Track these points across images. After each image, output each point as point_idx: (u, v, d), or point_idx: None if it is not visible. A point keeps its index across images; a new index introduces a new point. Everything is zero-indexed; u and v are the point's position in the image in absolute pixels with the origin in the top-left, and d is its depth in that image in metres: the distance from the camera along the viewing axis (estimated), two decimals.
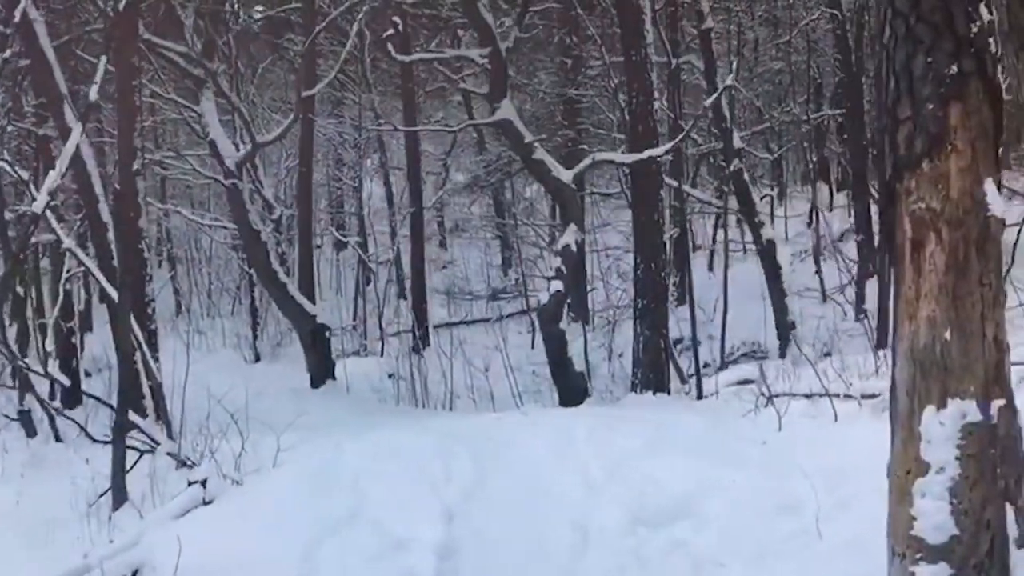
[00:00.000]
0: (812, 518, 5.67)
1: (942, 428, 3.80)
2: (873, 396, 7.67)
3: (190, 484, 7.05)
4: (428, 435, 8.25)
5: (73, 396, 13.23)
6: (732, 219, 16.70)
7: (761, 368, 9.03)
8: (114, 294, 9.21)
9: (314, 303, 14.91)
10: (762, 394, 8.48)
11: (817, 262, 16.56)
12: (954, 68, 3.84)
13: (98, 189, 10.78)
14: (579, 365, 12.79)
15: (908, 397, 3.91)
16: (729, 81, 11.57)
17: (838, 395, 7.85)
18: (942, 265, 3.84)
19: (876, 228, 15.84)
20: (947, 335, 3.82)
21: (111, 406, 8.61)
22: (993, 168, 3.90)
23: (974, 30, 3.83)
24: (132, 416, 8.83)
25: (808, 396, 8.14)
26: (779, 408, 7.91)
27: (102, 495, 7.70)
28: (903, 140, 3.95)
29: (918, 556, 3.81)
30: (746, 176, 14.46)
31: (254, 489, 7.20)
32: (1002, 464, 3.80)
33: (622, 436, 7.98)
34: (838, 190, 20.91)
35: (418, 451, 7.61)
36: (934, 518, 3.77)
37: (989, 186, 3.85)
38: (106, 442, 8.15)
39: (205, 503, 6.99)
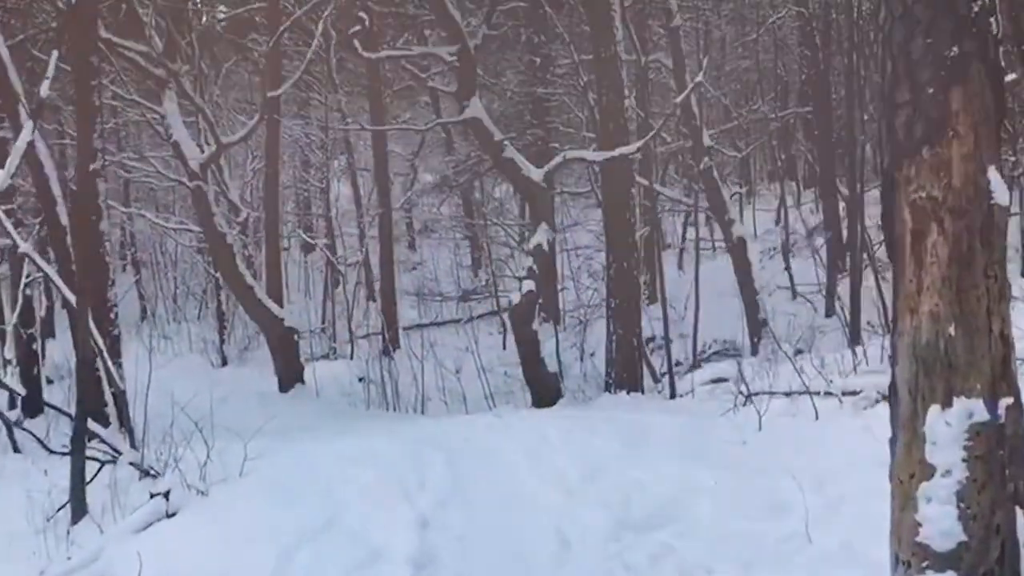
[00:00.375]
0: (801, 521, 5.44)
1: (948, 429, 3.56)
2: (854, 393, 7.49)
3: (152, 496, 6.68)
4: (401, 440, 7.95)
5: (34, 404, 12.75)
6: (701, 217, 16.53)
7: (739, 366, 8.81)
8: (74, 300, 8.80)
9: (282, 306, 14.52)
10: (740, 392, 8.27)
11: (787, 259, 16.43)
12: (955, 50, 3.60)
13: (56, 191, 10.34)
14: (551, 366, 12.54)
15: (911, 396, 3.67)
16: (699, 78, 11.36)
17: (818, 392, 7.65)
18: (945, 257, 3.60)
19: (845, 224, 15.78)
20: (951, 330, 3.58)
21: (70, 415, 8.19)
22: (996, 154, 3.68)
23: (975, 9, 3.60)
24: (93, 425, 8.43)
25: (787, 394, 7.94)
26: (758, 407, 7.70)
27: (60, 508, 7.29)
28: (901, 126, 3.71)
29: (924, 564, 3.57)
30: (716, 174, 14.28)
31: (220, 500, 6.84)
32: (1011, 465, 3.57)
33: (599, 438, 7.74)
34: (805, 187, 20.85)
35: (391, 457, 7.29)
36: (941, 524, 3.54)
37: (993, 173, 3.62)
38: (64, 453, 7.74)
39: (168, 516, 6.62)
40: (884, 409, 7.20)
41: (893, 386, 3.82)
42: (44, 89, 6.68)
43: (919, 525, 3.58)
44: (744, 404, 8.07)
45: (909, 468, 3.66)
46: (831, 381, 7.78)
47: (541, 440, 7.87)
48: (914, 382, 3.66)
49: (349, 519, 6.19)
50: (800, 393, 7.82)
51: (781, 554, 5.31)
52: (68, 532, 6.84)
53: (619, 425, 8.20)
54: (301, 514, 6.30)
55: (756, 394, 8.13)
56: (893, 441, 3.79)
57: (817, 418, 7.41)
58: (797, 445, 6.92)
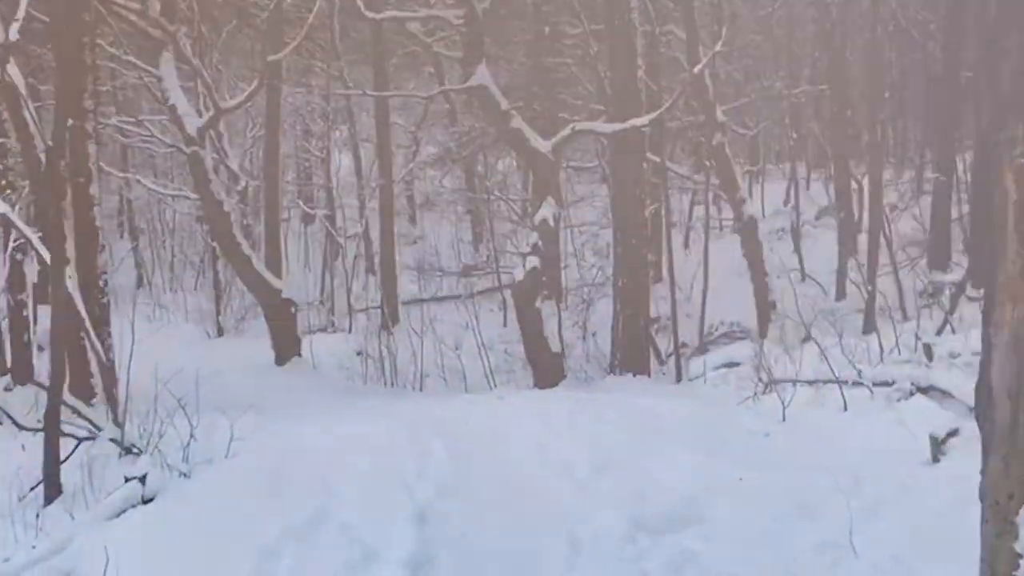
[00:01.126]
0: (840, 528, 4.77)
1: None
2: (886, 384, 6.81)
3: (127, 480, 6.00)
4: (399, 423, 7.26)
5: (24, 372, 12.11)
6: (709, 196, 15.81)
7: (761, 350, 8.09)
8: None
9: (280, 277, 13.82)
10: (760, 380, 7.59)
11: (796, 240, 15.70)
12: None
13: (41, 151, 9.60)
14: (554, 345, 11.86)
15: (1011, 401, 3.00)
16: (718, 47, 10.62)
17: (845, 382, 6.97)
18: None
19: (857, 205, 15.08)
20: None
21: (44, 387, 7.48)
22: None
23: None
24: (72, 400, 7.77)
25: (811, 383, 7.26)
26: (781, 395, 7.02)
27: (32, 489, 6.62)
28: (1008, 76, 3.01)
29: None
30: (728, 151, 13.52)
31: (202, 485, 6.18)
32: None
33: (609, 426, 7.07)
34: (813, 168, 20.07)
35: (388, 442, 6.62)
36: None
37: None
38: (37, 430, 7.05)
39: (145, 501, 5.96)
40: (920, 402, 6.57)
41: (984, 387, 3.14)
42: (13, 32, 5.96)
43: (1020, 557, 2.93)
44: (764, 392, 7.39)
45: (1007, 487, 2.99)
46: (860, 370, 7.08)
47: (546, 426, 7.22)
48: (1015, 385, 2.99)
49: (341, 512, 5.53)
50: (825, 382, 7.13)
51: (820, 566, 4.64)
52: (38, 516, 6.16)
53: (629, 411, 7.54)
54: (289, 504, 5.64)
55: (776, 382, 7.45)
56: (986, 453, 3.12)
57: (846, 409, 6.75)
58: (825, 439, 6.28)
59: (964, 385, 6.36)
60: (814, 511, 5.14)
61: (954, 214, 14.39)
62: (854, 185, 14.96)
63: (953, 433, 5.66)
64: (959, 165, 14.56)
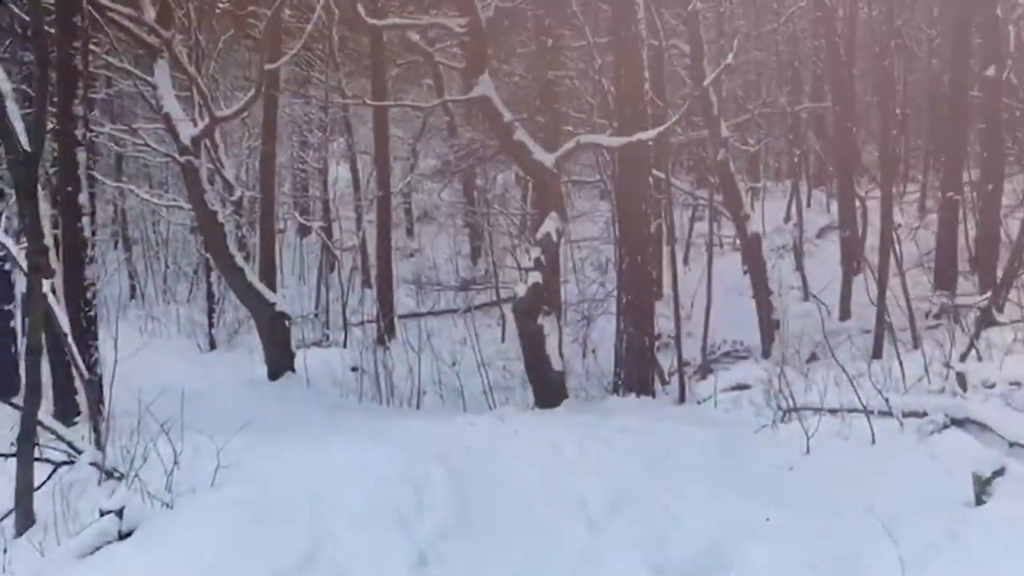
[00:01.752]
0: None
1: None
2: (916, 415, 6.27)
3: (102, 514, 5.42)
4: (396, 449, 6.69)
5: (9, 385, 11.55)
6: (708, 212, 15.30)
7: (782, 373, 7.53)
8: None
9: (275, 290, 13.25)
10: (778, 406, 7.05)
11: (798, 258, 15.19)
12: None
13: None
14: (556, 363, 11.31)
15: None
16: (729, 59, 10.13)
17: (872, 411, 6.43)
18: None
19: (860, 222, 14.60)
20: None
21: (16, 406, 6.87)
22: None
23: None
24: (50, 421, 7.18)
25: (834, 411, 6.71)
26: (804, 425, 6.46)
27: (2, 519, 6.04)
28: None
29: None
30: (732, 167, 13.02)
31: (184, 519, 5.61)
32: None
33: (623, 455, 6.54)
34: (813, 186, 19.61)
35: (385, 472, 6.07)
36: None
37: None
38: (9, 455, 6.45)
39: (122, 536, 5.38)
40: (955, 436, 6.03)
41: None
42: None
43: None
44: (783, 420, 6.85)
45: None
46: (888, 399, 6.54)
47: (554, 454, 6.68)
48: None
49: (334, 552, 4.98)
50: (850, 411, 6.59)
51: None
52: (5, 551, 5.58)
53: (640, 438, 7.01)
54: (278, 543, 5.09)
55: (796, 409, 6.90)
56: None
57: (874, 442, 6.20)
58: (855, 475, 5.74)
59: (1003, 418, 5.86)
60: (855, 560, 4.60)
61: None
62: (857, 203, 14.47)
63: (999, 472, 5.13)
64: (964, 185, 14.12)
